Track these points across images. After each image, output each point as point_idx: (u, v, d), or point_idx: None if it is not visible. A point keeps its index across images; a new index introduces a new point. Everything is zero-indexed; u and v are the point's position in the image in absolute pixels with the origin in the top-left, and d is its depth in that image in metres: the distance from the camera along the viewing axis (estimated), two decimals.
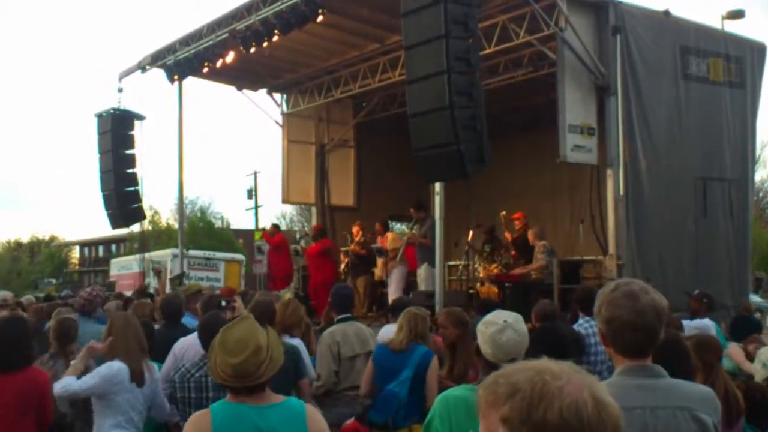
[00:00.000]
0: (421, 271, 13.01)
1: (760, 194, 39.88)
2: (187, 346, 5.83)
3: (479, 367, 3.41)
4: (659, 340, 2.56)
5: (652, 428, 2.45)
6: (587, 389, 1.36)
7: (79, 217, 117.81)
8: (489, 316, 3.35)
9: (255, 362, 3.07)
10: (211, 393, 4.85)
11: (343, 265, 15.50)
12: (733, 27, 16.18)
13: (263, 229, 18.22)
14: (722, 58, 13.06)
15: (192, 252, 22.03)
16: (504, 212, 13.60)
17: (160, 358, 6.06)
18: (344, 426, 5.53)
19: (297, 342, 6.22)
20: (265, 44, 12.93)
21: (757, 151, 26.20)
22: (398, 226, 20.26)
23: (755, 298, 20.53)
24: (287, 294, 14.01)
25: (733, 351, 6.07)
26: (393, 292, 12.85)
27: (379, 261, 14.18)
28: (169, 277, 17.43)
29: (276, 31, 12.48)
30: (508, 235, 13.44)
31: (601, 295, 2.61)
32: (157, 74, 15.44)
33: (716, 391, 2.83)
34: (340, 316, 6.57)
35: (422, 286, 12.82)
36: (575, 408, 1.33)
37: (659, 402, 2.48)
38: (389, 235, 14.40)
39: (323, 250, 14.64)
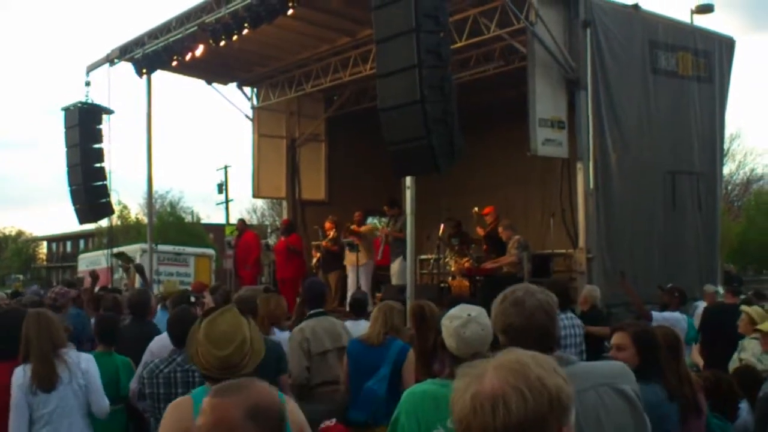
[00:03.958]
0: (395, 265, 13.00)
1: (729, 187, 40.35)
2: (167, 342, 5.65)
3: (445, 360, 3.39)
4: (557, 335, 2.70)
5: (579, 414, 2.44)
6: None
7: (47, 212, 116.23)
8: (453, 310, 3.34)
9: (240, 354, 3.12)
10: (180, 389, 4.79)
11: (314, 260, 15.43)
12: (702, 21, 16.28)
13: (242, 221, 18.12)
14: (691, 52, 13.16)
15: (161, 247, 21.74)
16: (476, 208, 13.60)
17: (127, 353, 6.02)
18: (329, 427, 5.43)
19: (285, 336, 6.20)
20: (235, 37, 12.79)
21: (725, 145, 26.56)
22: (370, 220, 20.20)
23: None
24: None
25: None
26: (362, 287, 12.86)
27: (349, 254, 14.06)
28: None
29: (246, 25, 12.36)
30: (480, 231, 13.43)
31: (493, 309, 2.76)
32: (126, 68, 15.26)
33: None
34: (311, 311, 6.48)
35: (395, 280, 12.82)
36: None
37: (579, 385, 2.48)
38: (369, 226, 14.50)
39: (287, 248, 14.58)
